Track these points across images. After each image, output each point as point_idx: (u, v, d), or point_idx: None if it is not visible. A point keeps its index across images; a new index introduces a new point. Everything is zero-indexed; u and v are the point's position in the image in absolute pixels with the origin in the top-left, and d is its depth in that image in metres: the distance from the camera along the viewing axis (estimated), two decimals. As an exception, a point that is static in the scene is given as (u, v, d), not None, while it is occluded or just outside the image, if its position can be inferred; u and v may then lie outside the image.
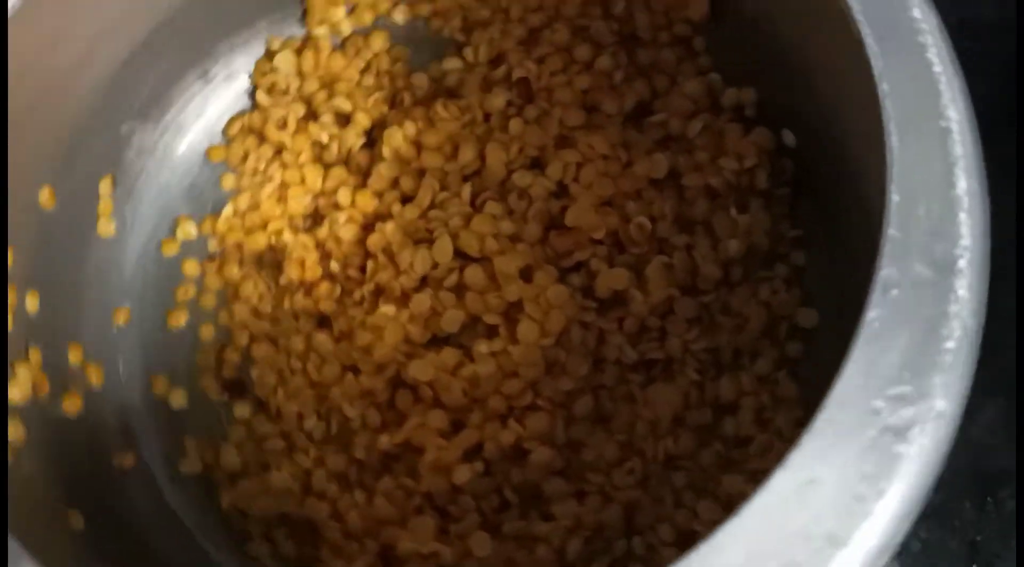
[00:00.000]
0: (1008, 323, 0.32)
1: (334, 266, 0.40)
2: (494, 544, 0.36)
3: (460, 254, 0.39)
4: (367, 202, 0.41)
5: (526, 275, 0.39)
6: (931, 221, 0.27)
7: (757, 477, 0.36)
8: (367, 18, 0.44)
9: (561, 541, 0.36)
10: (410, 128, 0.41)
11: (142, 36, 0.39)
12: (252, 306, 0.41)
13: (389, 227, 0.40)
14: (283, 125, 0.42)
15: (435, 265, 0.39)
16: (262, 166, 0.43)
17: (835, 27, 0.31)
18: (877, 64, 0.28)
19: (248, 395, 0.41)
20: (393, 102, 0.43)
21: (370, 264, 0.40)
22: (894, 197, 0.27)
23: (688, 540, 0.36)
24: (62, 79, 0.36)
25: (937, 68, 0.27)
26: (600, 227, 0.39)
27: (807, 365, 0.38)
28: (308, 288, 0.41)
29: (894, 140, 0.27)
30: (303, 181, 0.42)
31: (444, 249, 0.39)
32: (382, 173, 0.41)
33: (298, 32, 0.44)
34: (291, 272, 0.41)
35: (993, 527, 0.40)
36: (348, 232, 0.41)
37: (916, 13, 0.28)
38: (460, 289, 0.39)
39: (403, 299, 0.39)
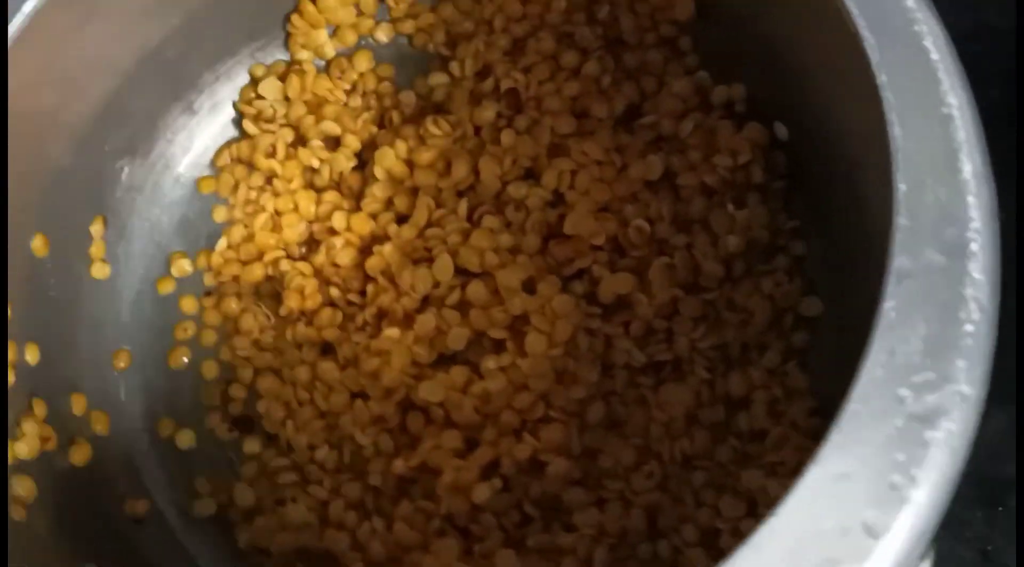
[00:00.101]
0: (1009, 326, 0.32)
1: (334, 292, 0.40)
2: (519, 560, 0.36)
3: (460, 271, 0.39)
4: (363, 225, 0.40)
5: (529, 287, 0.38)
6: (940, 207, 0.27)
7: (776, 470, 0.37)
8: (350, 39, 0.43)
9: (587, 551, 0.36)
10: (401, 147, 0.41)
11: (126, 71, 0.38)
12: (253, 339, 0.41)
13: (387, 249, 0.39)
14: (272, 152, 0.42)
15: (436, 284, 0.39)
16: (254, 195, 0.42)
17: (826, 18, 0.30)
18: (874, 55, 0.28)
19: (257, 430, 0.40)
20: (382, 122, 0.43)
21: (370, 288, 0.40)
22: (900, 186, 0.27)
23: (713, 539, 0.36)
24: (47, 121, 0.36)
25: (934, 56, 0.27)
26: (599, 233, 0.38)
27: (814, 354, 0.38)
28: (309, 316, 0.40)
29: (896, 130, 0.27)
30: (296, 208, 0.42)
31: (445, 267, 0.39)
32: (376, 194, 0.41)
33: (282, 57, 0.44)
34: (291, 301, 0.40)
35: (1005, 536, 0.40)
36: (346, 257, 0.40)
37: (910, 3, 0.28)
38: (463, 306, 0.39)
39: (406, 321, 0.39)
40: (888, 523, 0.25)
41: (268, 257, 0.41)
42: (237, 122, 0.43)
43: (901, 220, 0.27)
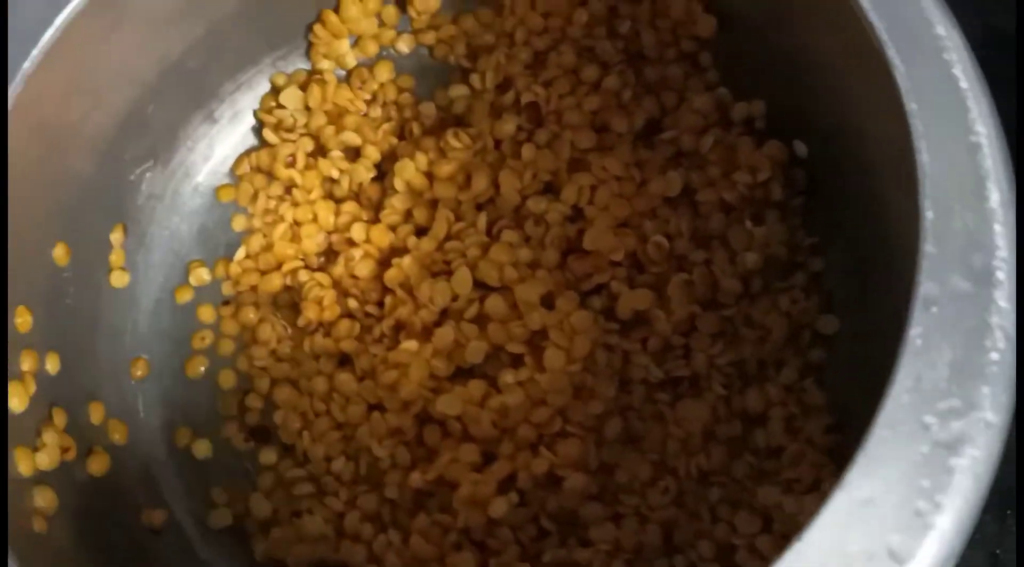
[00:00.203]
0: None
1: (352, 304, 0.40)
2: (535, 575, 0.36)
3: (479, 284, 0.39)
4: (382, 237, 0.40)
5: (547, 302, 0.38)
6: (967, 234, 0.27)
7: (792, 486, 0.37)
8: (371, 49, 0.43)
9: (603, 566, 0.36)
10: (421, 159, 0.41)
11: (148, 82, 0.38)
12: (271, 349, 0.41)
13: (406, 261, 0.39)
14: (292, 162, 0.42)
15: (455, 297, 0.39)
16: (273, 205, 0.42)
17: (853, 41, 0.31)
18: (904, 82, 0.28)
19: (273, 440, 0.40)
20: (402, 133, 0.43)
21: (388, 300, 0.40)
22: (928, 213, 0.27)
23: (728, 555, 0.36)
24: (71, 131, 0.36)
25: (964, 85, 0.27)
26: (618, 249, 0.38)
27: (831, 371, 0.38)
28: (327, 328, 0.40)
29: (924, 157, 0.27)
30: (315, 218, 0.42)
31: (463, 281, 0.39)
32: (395, 206, 0.41)
33: (303, 67, 0.44)
34: (309, 312, 0.40)
35: (1013, 540, 0.40)
36: (364, 268, 0.40)
37: (940, 30, 0.28)
38: (481, 320, 0.39)
39: (424, 333, 0.39)
40: (913, 549, 0.25)
41: (286, 267, 0.41)
42: (257, 131, 0.43)
43: (928, 247, 0.27)
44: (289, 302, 0.41)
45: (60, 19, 0.31)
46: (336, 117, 0.43)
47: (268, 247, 0.42)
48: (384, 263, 0.41)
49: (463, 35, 0.43)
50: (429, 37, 0.43)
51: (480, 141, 0.41)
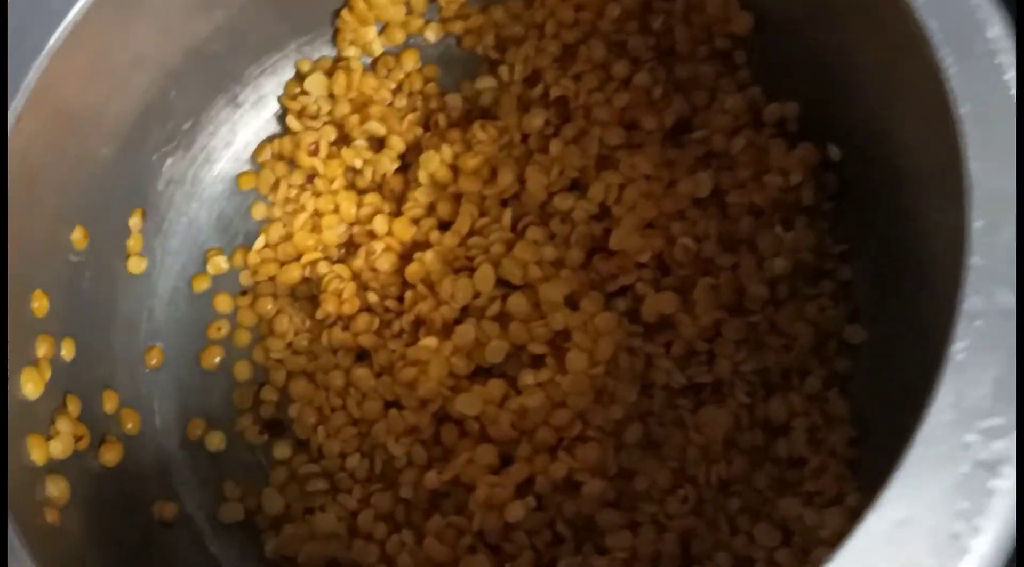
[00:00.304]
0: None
1: (372, 298, 0.39)
2: (550, 581, 0.35)
3: (501, 282, 0.38)
4: (404, 230, 0.40)
5: (571, 302, 0.38)
6: (1015, 247, 0.26)
7: (813, 499, 0.36)
8: (398, 37, 0.42)
9: (619, 575, 0.35)
10: (447, 152, 0.40)
11: (173, 65, 0.37)
12: (288, 342, 0.40)
13: (428, 256, 0.39)
14: (315, 150, 0.41)
15: (476, 294, 0.38)
16: (294, 194, 0.41)
17: (901, 42, 0.30)
18: (955, 87, 0.27)
19: (288, 435, 0.40)
20: (427, 124, 0.42)
21: (409, 295, 0.39)
22: (975, 223, 0.26)
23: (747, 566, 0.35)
24: (94, 114, 0.35)
25: (1011, 91, 0.26)
26: (645, 250, 0.38)
27: (856, 382, 0.38)
28: (346, 321, 0.40)
29: (973, 164, 0.26)
30: (337, 209, 0.41)
31: (486, 277, 0.38)
32: (418, 199, 0.40)
33: (328, 53, 0.43)
34: (328, 305, 0.39)
35: None
36: (386, 262, 0.40)
37: (994, 31, 0.27)
38: (503, 318, 0.38)
39: (444, 331, 0.38)
40: (949, 574, 0.24)
41: (306, 258, 0.41)
42: (280, 118, 0.43)
43: (974, 259, 0.26)
44: (307, 294, 0.41)
45: (80, 4, 0.31)
46: (361, 106, 0.42)
47: (288, 237, 0.41)
48: (406, 257, 0.40)
49: (492, 25, 0.42)
50: (457, 26, 0.43)
51: (507, 135, 0.40)
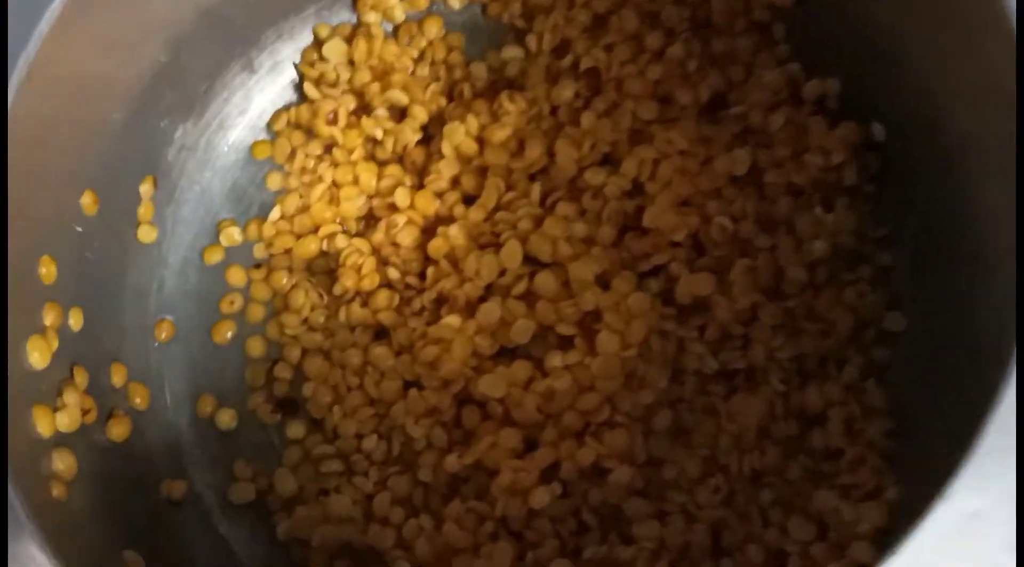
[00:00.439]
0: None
1: (392, 274, 0.38)
2: (575, 571, 0.34)
3: (529, 259, 0.37)
4: (427, 204, 0.38)
5: (602, 281, 0.36)
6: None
7: (850, 492, 0.34)
8: (421, 3, 0.41)
9: (646, 566, 0.34)
10: (473, 123, 0.38)
11: (187, 27, 0.36)
12: (303, 318, 0.39)
13: (452, 231, 0.37)
14: (333, 119, 0.39)
15: (502, 271, 0.37)
16: (311, 164, 0.40)
17: (964, 15, 0.28)
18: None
19: (301, 414, 0.38)
20: (451, 94, 0.40)
21: (431, 271, 0.38)
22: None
23: (780, 561, 0.34)
24: (104, 79, 0.33)
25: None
26: (680, 228, 0.36)
27: (895, 371, 0.36)
28: (365, 298, 0.38)
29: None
30: (356, 181, 0.39)
31: (513, 254, 0.36)
32: (442, 172, 0.38)
33: (348, 19, 0.41)
34: (346, 280, 0.38)
35: None
36: (408, 236, 0.38)
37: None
38: (529, 297, 0.36)
39: (468, 309, 0.37)
40: (1019, 571, 0.23)
41: (323, 231, 0.39)
42: (297, 85, 0.41)
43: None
44: (325, 268, 0.39)
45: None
46: (382, 74, 0.40)
47: (304, 209, 0.40)
48: (428, 232, 0.38)
49: (520, -8, 0.40)
50: (483, -8, 0.41)
51: (535, 106, 0.38)
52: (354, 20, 0.41)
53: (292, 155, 0.40)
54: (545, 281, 0.36)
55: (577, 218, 0.37)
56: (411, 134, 0.39)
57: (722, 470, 0.35)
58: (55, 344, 0.31)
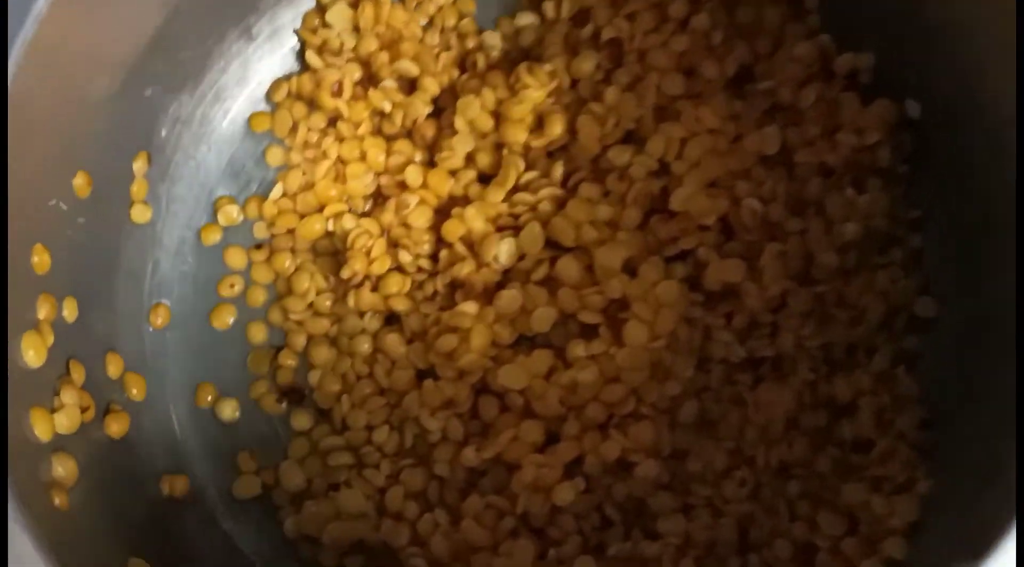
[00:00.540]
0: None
1: (404, 257, 0.36)
2: (600, 569, 0.33)
3: (549, 243, 0.35)
4: (442, 183, 0.36)
5: (628, 267, 0.34)
6: None
7: (881, 485, 0.33)
8: (429, -35, 0.38)
9: (672, 562, 0.33)
10: (489, 97, 0.36)
11: (180, -6, 0.33)
12: (308, 302, 0.37)
13: (469, 212, 0.35)
14: (338, 91, 0.37)
15: (521, 256, 0.35)
16: (314, 138, 0.38)
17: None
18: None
19: (307, 403, 0.36)
20: (463, 65, 0.38)
21: (444, 254, 0.36)
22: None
23: (808, 556, 0.33)
24: (96, 50, 0.31)
25: None
26: (710, 212, 0.34)
27: (926, 360, 0.35)
28: (375, 282, 0.36)
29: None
30: (363, 157, 0.37)
31: (534, 238, 0.34)
32: (456, 148, 0.36)
33: (354, -19, 0.38)
34: (355, 264, 0.36)
35: None
36: (421, 217, 0.36)
37: None
38: (549, 283, 0.35)
39: (485, 295, 0.35)
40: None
41: (329, 211, 0.37)
42: (299, 53, 0.38)
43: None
44: (330, 249, 0.37)
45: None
46: (390, 42, 0.38)
47: (308, 186, 0.37)
48: (441, 212, 0.36)
49: (535, -45, 0.38)
50: (495, -46, 0.38)
51: (555, 79, 0.36)
52: (360, -17, 0.38)
53: (294, 128, 0.38)
54: (567, 266, 0.34)
55: (601, 200, 0.35)
56: (422, 107, 0.37)
57: (748, 462, 0.34)
58: (50, 339, 0.29)
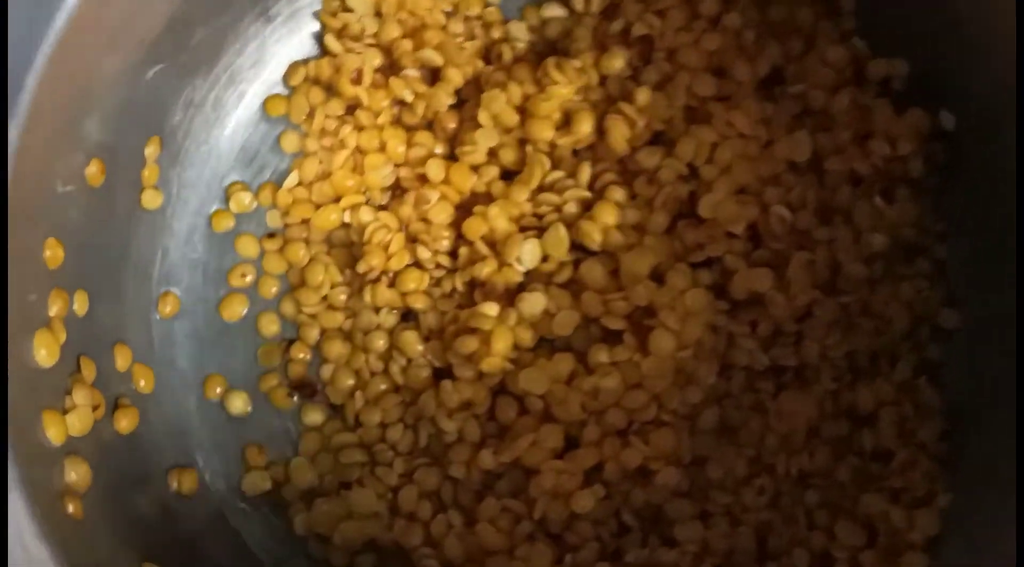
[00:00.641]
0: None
1: (423, 253, 0.35)
2: (616, 576, 0.32)
3: (572, 245, 0.34)
4: (464, 179, 0.35)
5: (655, 273, 0.33)
6: None
7: (900, 496, 0.33)
8: (453, -50, 0.37)
9: (689, 570, 0.33)
10: (515, 91, 0.35)
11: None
12: (322, 295, 0.36)
13: (492, 211, 0.34)
14: (358, 78, 0.36)
15: (544, 257, 0.34)
16: (332, 126, 0.36)
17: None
18: None
19: (320, 399, 0.36)
20: (487, 56, 0.37)
21: (463, 251, 0.35)
22: None
23: (826, 566, 0.33)
24: (111, 32, 0.29)
25: None
26: (740, 220, 0.34)
27: (949, 371, 0.35)
28: (392, 278, 0.35)
29: None
30: (383, 148, 0.36)
31: (559, 240, 0.34)
32: (479, 143, 0.35)
33: (376, -37, 0.37)
34: (373, 258, 0.35)
35: None
36: (442, 213, 0.35)
37: None
38: (572, 286, 0.34)
39: (506, 296, 0.34)
40: None
41: (346, 202, 0.36)
42: (318, 37, 0.37)
43: None
44: (346, 241, 0.36)
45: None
46: (412, 30, 0.36)
47: (325, 176, 0.36)
48: (461, 208, 0.35)
49: (564, -55, 0.37)
50: (522, -57, 0.37)
51: (584, 76, 0.35)
52: (382, -35, 0.37)
53: (311, 114, 0.36)
54: (592, 270, 0.33)
55: (628, 203, 0.34)
56: (445, 99, 0.36)
57: (767, 470, 0.34)
58: (63, 336, 0.28)
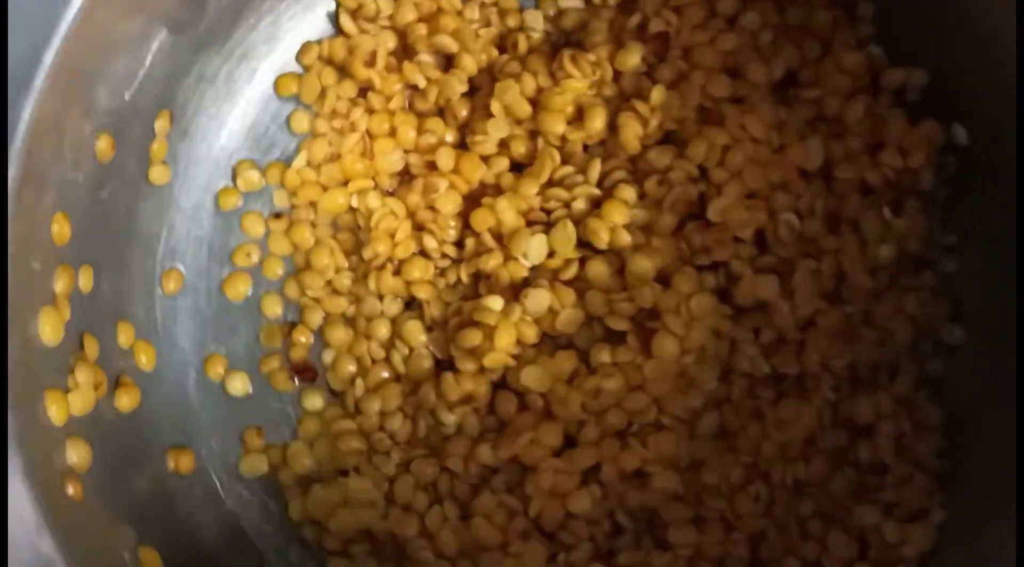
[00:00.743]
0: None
1: (429, 242, 0.35)
2: (608, 576, 0.33)
3: (580, 243, 0.34)
4: (474, 170, 0.35)
5: (661, 276, 0.33)
6: None
7: (893, 511, 0.33)
8: (471, -64, 0.36)
9: (682, 574, 0.33)
10: (529, 83, 0.34)
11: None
12: (327, 279, 0.36)
13: (501, 203, 0.34)
14: (371, 60, 0.35)
15: (551, 253, 0.34)
16: (343, 108, 0.36)
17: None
18: None
19: (320, 383, 0.36)
20: (502, 45, 0.36)
21: (470, 242, 0.35)
22: None
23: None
24: (127, 3, 0.29)
25: None
26: (748, 224, 0.33)
27: (950, 386, 0.35)
28: (397, 265, 0.35)
29: None
30: (393, 133, 0.35)
31: (566, 237, 0.33)
32: (490, 133, 0.35)
33: (394, -56, 0.36)
34: (379, 245, 0.35)
35: None
36: (449, 203, 0.35)
37: None
38: (577, 284, 0.34)
39: (511, 290, 0.34)
40: None
41: (354, 186, 0.35)
42: (333, 16, 0.37)
43: None
44: (352, 225, 0.36)
45: None
46: (428, 15, 0.36)
47: (334, 158, 0.36)
48: (470, 198, 0.35)
49: (585, -66, 0.36)
50: (541, -70, 0.37)
51: (598, 71, 0.35)
52: (401, -53, 0.36)
53: (322, 95, 0.36)
54: (597, 269, 0.33)
55: (637, 203, 0.34)
56: (457, 86, 0.35)
57: (764, 478, 0.34)
58: (67, 314, 0.28)
